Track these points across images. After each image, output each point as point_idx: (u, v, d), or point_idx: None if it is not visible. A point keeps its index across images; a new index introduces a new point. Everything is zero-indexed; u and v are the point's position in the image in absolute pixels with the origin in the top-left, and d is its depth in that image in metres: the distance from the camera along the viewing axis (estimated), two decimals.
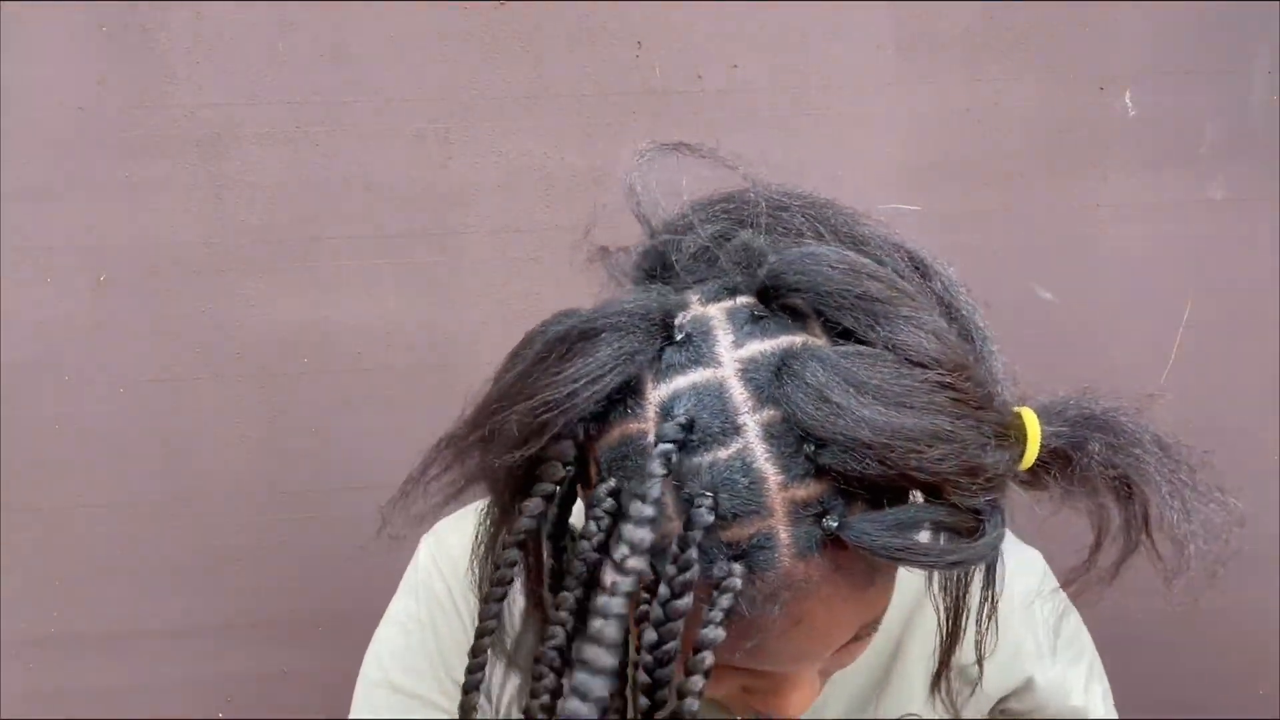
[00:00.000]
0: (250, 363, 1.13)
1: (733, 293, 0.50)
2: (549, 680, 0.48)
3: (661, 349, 0.48)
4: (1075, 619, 0.75)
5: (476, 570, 0.56)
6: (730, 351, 0.47)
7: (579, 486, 0.52)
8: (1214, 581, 0.49)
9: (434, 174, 1.11)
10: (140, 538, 1.15)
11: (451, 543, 0.71)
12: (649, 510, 0.43)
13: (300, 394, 1.14)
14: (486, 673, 0.52)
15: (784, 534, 0.44)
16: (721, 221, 0.53)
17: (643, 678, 0.45)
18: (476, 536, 0.56)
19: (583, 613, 0.47)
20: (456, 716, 0.61)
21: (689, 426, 0.45)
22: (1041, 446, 0.46)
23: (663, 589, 0.44)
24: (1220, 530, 0.50)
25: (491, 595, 0.51)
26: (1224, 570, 0.49)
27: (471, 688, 0.52)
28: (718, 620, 0.43)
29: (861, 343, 0.46)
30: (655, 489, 0.43)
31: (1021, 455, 0.46)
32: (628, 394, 0.47)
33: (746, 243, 0.50)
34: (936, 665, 0.62)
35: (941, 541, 0.44)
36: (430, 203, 1.12)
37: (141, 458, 1.13)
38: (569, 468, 0.48)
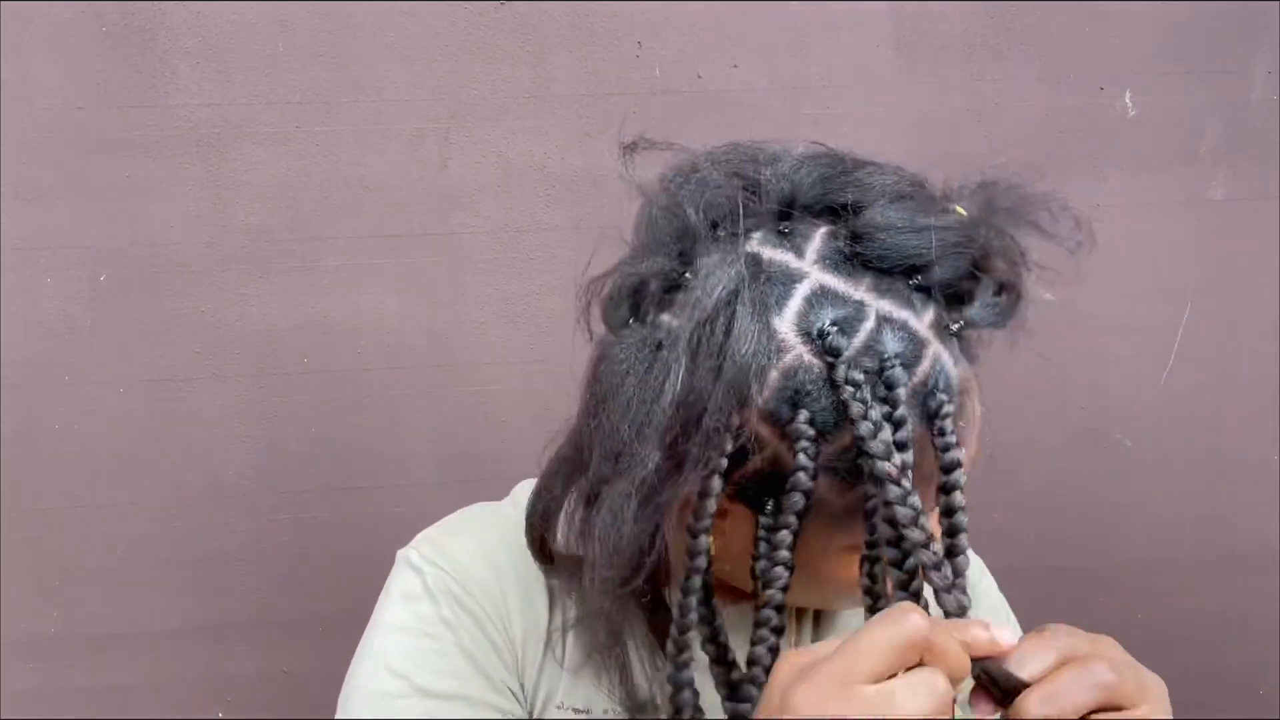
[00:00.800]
0: (250, 363, 1.13)
1: (747, 234, 0.55)
2: (776, 621, 0.52)
3: (760, 292, 0.53)
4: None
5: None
6: (805, 262, 0.54)
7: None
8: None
9: (433, 174, 1.11)
10: (140, 538, 1.15)
11: (452, 549, 0.67)
12: (876, 411, 0.50)
13: (300, 394, 1.14)
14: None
15: (944, 354, 0.53)
16: (725, 184, 0.56)
17: (897, 574, 0.50)
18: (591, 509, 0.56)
19: (795, 543, 0.52)
20: (506, 710, 0.63)
21: (837, 329, 0.51)
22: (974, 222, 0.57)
23: (893, 435, 0.50)
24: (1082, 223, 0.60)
25: (700, 528, 0.53)
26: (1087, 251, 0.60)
27: (686, 628, 0.54)
28: (954, 442, 0.51)
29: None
30: (903, 392, 0.50)
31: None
32: (764, 343, 0.52)
33: (765, 185, 0.56)
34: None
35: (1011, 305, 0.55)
36: (430, 203, 1.12)
37: (141, 458, 1.13)
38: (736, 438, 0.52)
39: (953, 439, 0.50)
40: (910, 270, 0.53)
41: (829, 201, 0.55)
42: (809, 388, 0.51)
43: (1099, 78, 1.15)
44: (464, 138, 1.11)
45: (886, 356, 0.51)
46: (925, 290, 0.53)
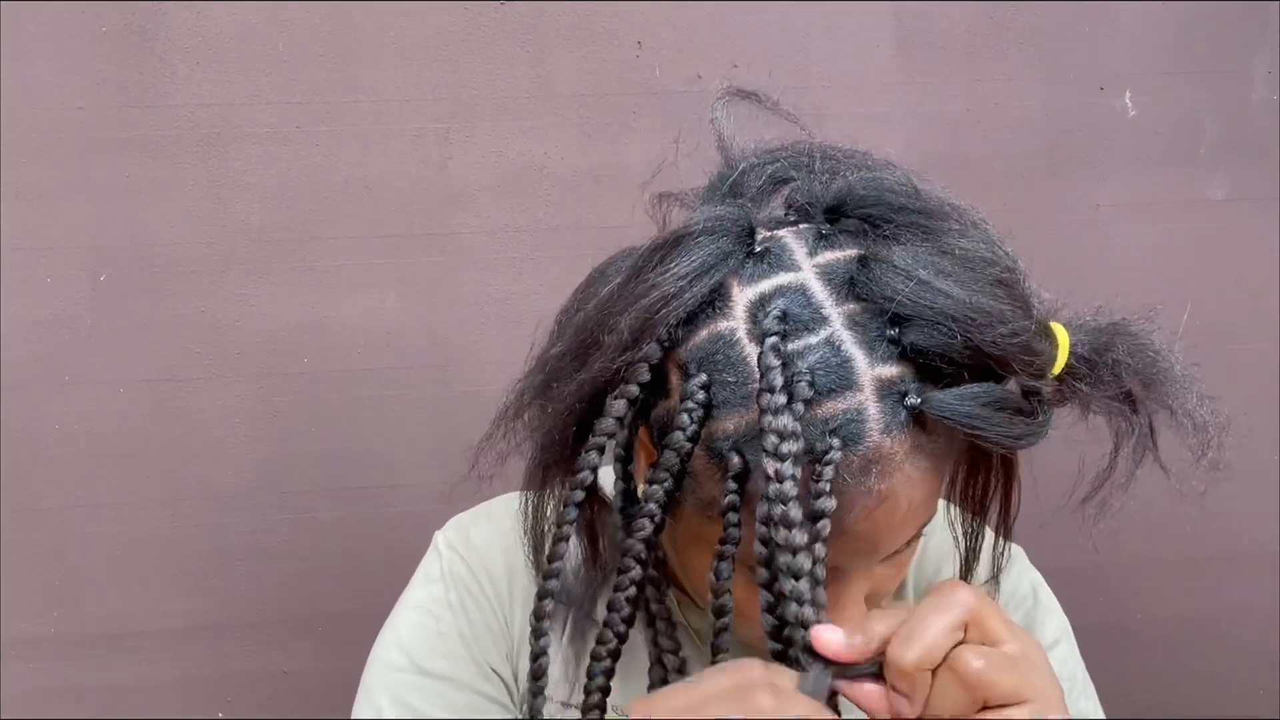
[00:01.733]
0: (250, 363, 1.13)
1: (794, 222, 0.55)
2: (635, 573, 0.53)
3: (744, 259, 0.52)
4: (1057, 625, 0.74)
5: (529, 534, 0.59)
6: (807, 260, 0.52)
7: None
8: (1218, 478, 0.55)
9: (434, 174, 1.11)
10: (140, 538, 1.15)
11: (473, 534, 0.71)
12: (780, 398, 0.47)
13: (300, 394, 1.14)
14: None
15: (873, 409, 0.48)
16: (783, 163, 0.57)
17: (759, 550, 0.48)
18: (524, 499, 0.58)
19: (668, 504, 0.52)
20: (492, 696, 0.65)
21: (784, 318, 0.49)
22: (1071, 353, 0.51)
23: (771, 465, 0.47)
24: (1219, 428, 0.55)
25: (572, 499, 0.54)
26: (1231, 466, 0.56)
27: (546, 595, 0.55)
28: (826, 490, 0.47)
29: None
30: (778, 376, 0.47)
31: (1054, 362, 0.51)
32: (716, 297, 0.51)
33: (803, 182, 0.56)
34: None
35: (1010, 418, 0.49)
36: (430, 203, 1.12)
37: (141, 458, 1.13)
38: (652, 371, 0.52)
39: (825, 488, 0.47)
40: (894, 318, 0.49)
41: (871, 225, 0.52)
42: (725, 358, 0.50)
43: (1099, 78, 1.15)
44: (464, 138, 1.11)
45: (803, 370, 0.48)
46: (898, 345, 0.49)
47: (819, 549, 0.47)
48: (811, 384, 0.48)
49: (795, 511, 0.46)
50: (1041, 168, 1.17)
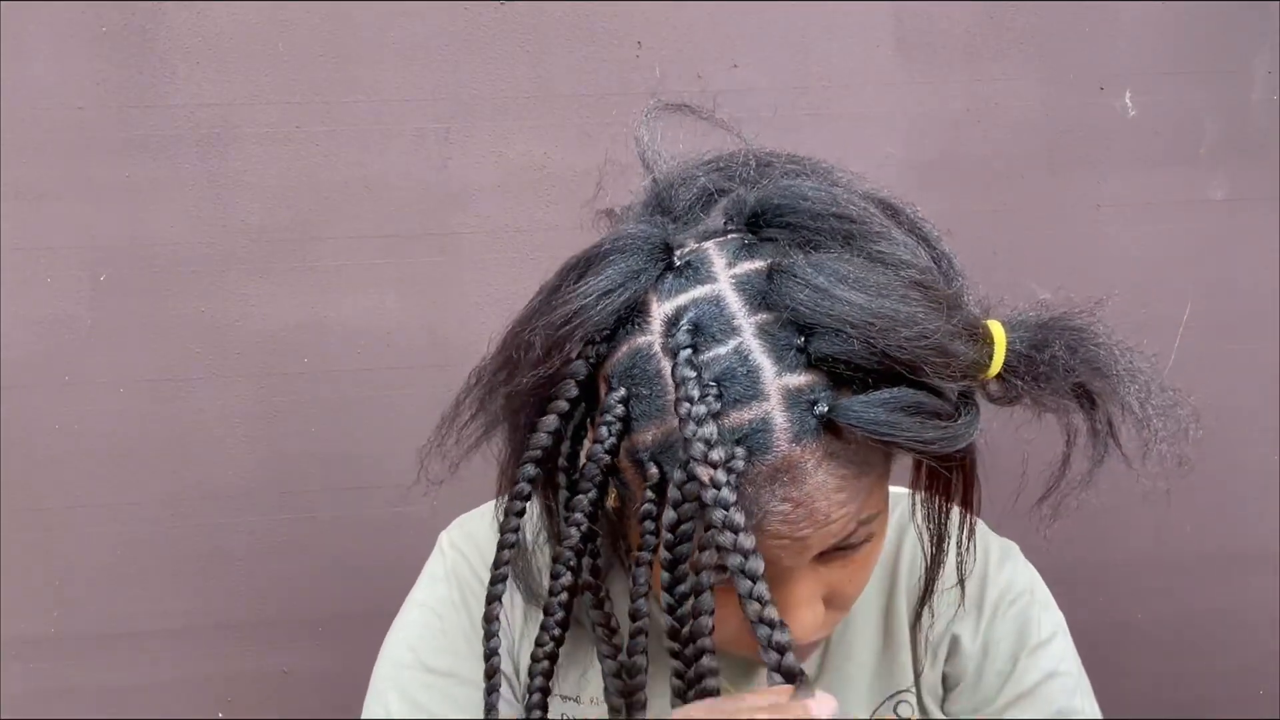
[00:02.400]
0: (250, 363, 1.13)
1: (724, 233, 0.55)
2: (566, 579, 0.55)
3: (663, 274, 0.53)
4: (1058, 644, 0.72)
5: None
6: (725, 271, 0.52)
7: (590, 417, 0.56)
8: (1184, 471, 0.54)
9: (433, 174, 1.11)
10: (140, 538, 1.15)
11: (476, 532, 0.73)
12: (701, 408, 0.47)
13: (300, 394, 1.14)
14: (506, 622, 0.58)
15: (780, 418, 0.48)
16: (715, 175, 0.58)
17: (663, 556, 0.49)
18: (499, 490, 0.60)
19: (594, 514, 0.53)
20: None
21: (695, 331, 0.50)
22: (1008, 350, 0.51)
23: (677, 473, 0.48)
24: (1180, 419, 0.55)
25: (512, 508, 0.56)
26: (1191, 461, 0.54)
27: (494, 599, 0.57)
28: (729, 498, 0.48)
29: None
30: (694, 387, 0.48)
31: (990, 360, 0.51)
32: (634, 313, 0.53)
33: (737, 192, 0.56)
34: (921, 590, 0.67)
35: (923, 422, 0.48)
36: (430, 203, 1.12)
37: (141, 458, 1.13)
38: (580, 386, 0.53)
39: (727, 496, 0.47)
40: (801, 327, 0.49)
41: (788, 235, 0.53)
42: (643, 372, 0.51)
43: (1099, 78, 1.15)
44: (464, 138, 1.11)
45: (709, 382, 0.48)
46: (805, 354, 0.49)
47: (710, 555, 0.47)
48: (719, 396, 0.48)
49: (738, 516, 0.46)
50: (1041, 168, 1.17)
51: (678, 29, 1.10)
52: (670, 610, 0.49)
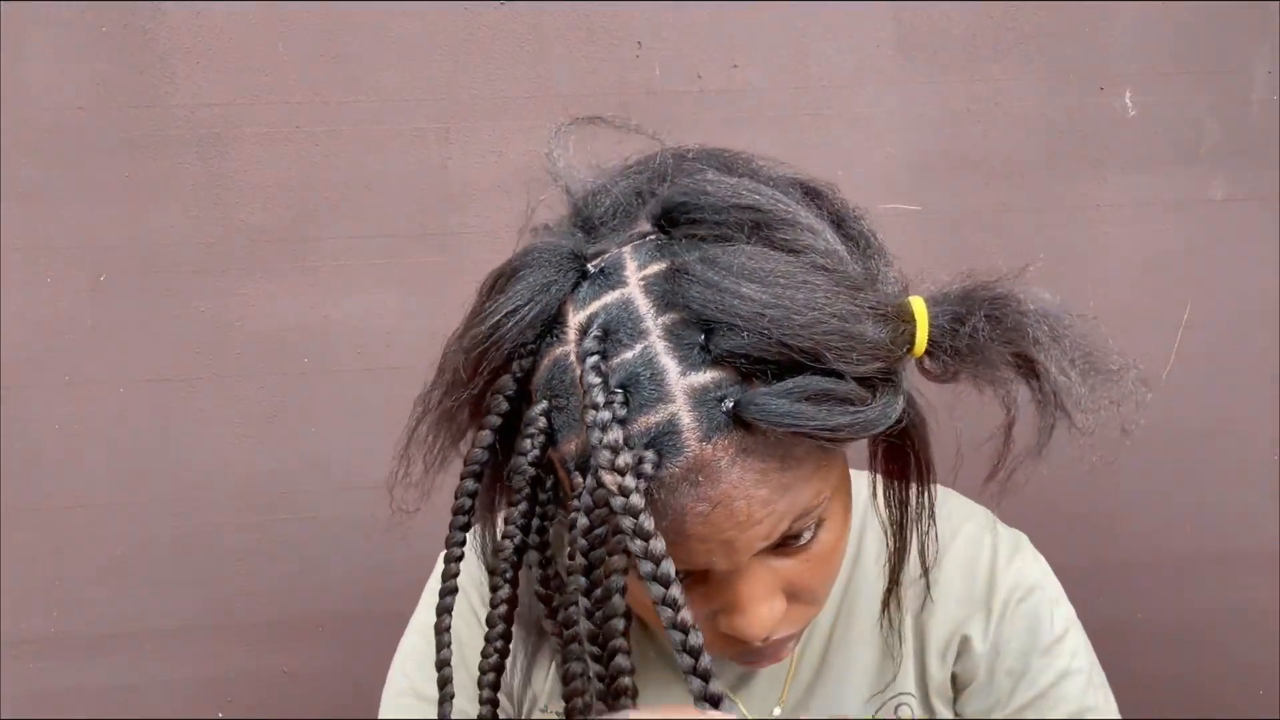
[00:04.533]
0: (250, 363, 1.13)
1: (642, 236, 0.55)
2: (504, 592, 0.55)
3: (577, 283, 0.53)
4: (1072, 637, 0.72)
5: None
6: (635, 274, 0.52)
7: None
8: (1127, 438, 0.52)
9: (434, 174, 1.11)
10: (140, 538, 1.15)
11: (472, 555, 0.72)
12: (605, 414, 0.47)
13: (300, 394, 1.14)
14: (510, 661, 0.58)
15: (687, 418, 0.48)
16: (635, 179, 0.58)
17: (579, 561, 0.49)
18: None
19: (528, 525, 0.54)
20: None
21: (604, 337, 0.50)
22: (931, 326, 0.50)
23: (589, 480, 0.48)
24: (1123, 383, 0.53)
25: (455, 523, 0.57)
26: (1134, 428, 0.52)
27: (444, 610, 0.58)
28: (638, 504, 0.47)
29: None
30: (600, 393, 0.48)
31: (913, 338, 0.50)
32: (552, 325, 0.53)
33: (654, 193, 0.56)
34: (886, 582, 0.66)
35: (830, 409, 0.47)
36: (430, 203, 1.12)
37: (141, 458, 1.13)
38: (510, 402, 0.54)
39: (637, 500, 0.46)
40: (702, 325, 0.49)
41: (697, 231, 0.52)
42: (561, 382, 0.52)
43: (1099, 78, 1.15)
44: (464, 138, 1.11)
45: (616, 394, 0.48)
46: (709, 352, 0.49)
47: (619, 560, 0.48)
48: (624, 401, 0.48)
49: (648, 521, 0.46)
50: (1041, 168, 1.17)
51: (678, 29, 1.10)
52: (588, 614, 0.49)
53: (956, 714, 0.71)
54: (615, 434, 0.47)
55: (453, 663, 0.68)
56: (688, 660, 0.46)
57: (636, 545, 0.46)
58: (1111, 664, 0.75)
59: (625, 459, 0.46)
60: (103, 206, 1.08)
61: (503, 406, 0.54)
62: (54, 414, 1.12)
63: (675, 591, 0.47)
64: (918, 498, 0.61)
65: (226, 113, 1.08)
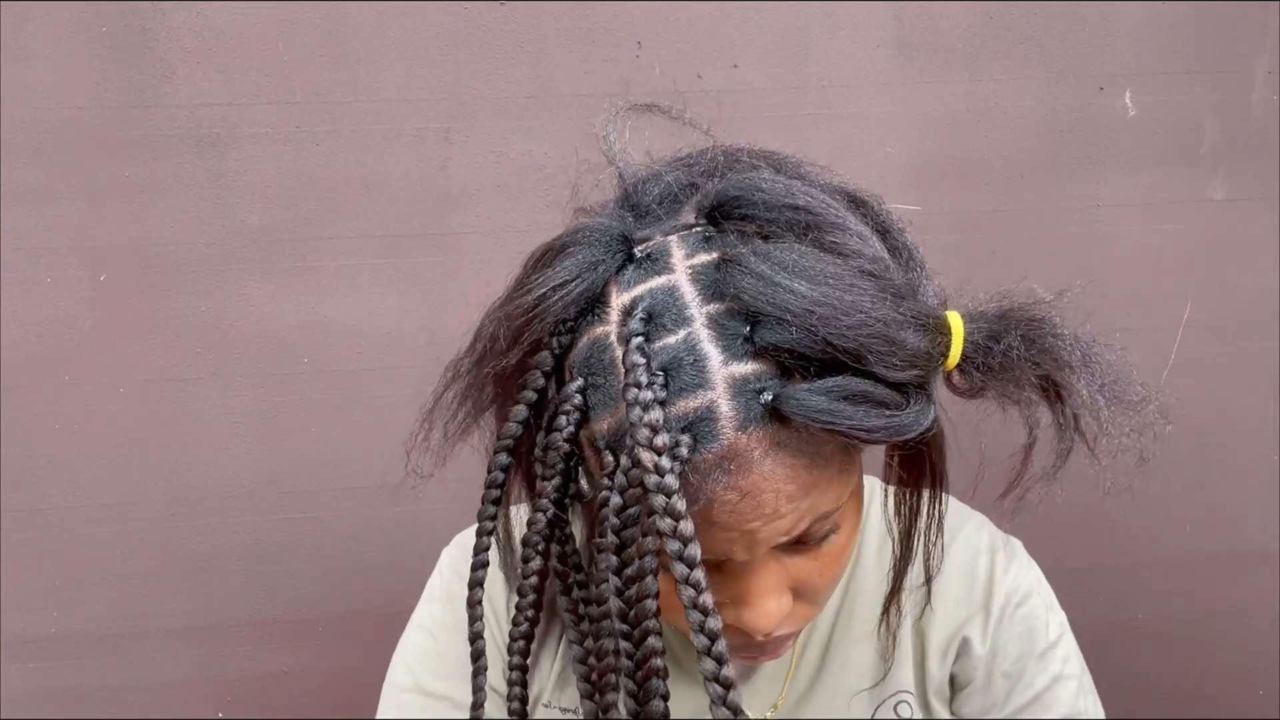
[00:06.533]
0: (250, 363, 1.13)
1: (689, 227, 0.56)
2: (536, 563, 0.56)
3: (623, 265, 0.54)
4: (1064, 642, 0.73)
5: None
6: (682, 262, 0.53)
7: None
8: (1144, 467, 0.53)
9: (434, 174, 1.11)
10: (140, 538, 1.15)
11: (470, 550, 0.73)
12: (648, 394, 0.48)
13: (300, 394, 1.14)
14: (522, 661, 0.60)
15: (725, 406, 0.49)
16: (686, 171, 0.58)
17: (610, 540, 0.50)
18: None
19: (561, 501, 0.55)
20: (489, 715, 0.66)
21: (648, 320, 0.51)
22: (966, 341, 0.51)
23: (624, 459, 0.48)
24: (1144, 414, 0.53)
25: (487, 497, 0.57)
26: (1151, 458, 0.53)
27: (476, 584, 0.59)
28: (674, 487, 0.48)
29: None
30: (643, 374, 0.48)
31: (948, 351, 0.51)
32: (595, 304, 0.54)
33: (703, 187, 0.57)
34: (889, 587, 0.66)
35: (867, 411, 0.48)
36: (430, 203, 1.12)
37: (141, 458, 1.13)
38: (548, 377, 0.55)
39: (670, 481, 0.47)
40: (749, 316, 0.49)
41: (746, 226, 0.53)
42: (599, 362, 0.52)
43: (1099, 78, 1.15)
44: (464, 138, 1.11)
45: (657, 376, 0.49)
46: (753, 343, 0.49)
47: (651, 542, 0.48)
48: (665, 384, 0.49)
49: (679, 503, 0.47)
50: (1041, 168, 1.17)
51: (678, 29, 1.10)
52: (618, 593, 0.50)
53: (953, 713, 0.72)
54: (656, 414, 0.47)
55: (459, 662, 0.68)
56: (704, 642, 0.47)
57: (666, 524, 0.47)
58: (1112, 664, 0.75)
59: (663, 439, 0.47)
60: (103, 206, 1.08)
61: (539, 382, 0.55)
62: (54, 414, 1.12)
63: (699, 574, 0.47)
64: (929, 508, 0.61)
65: (226, 113, 1.08)
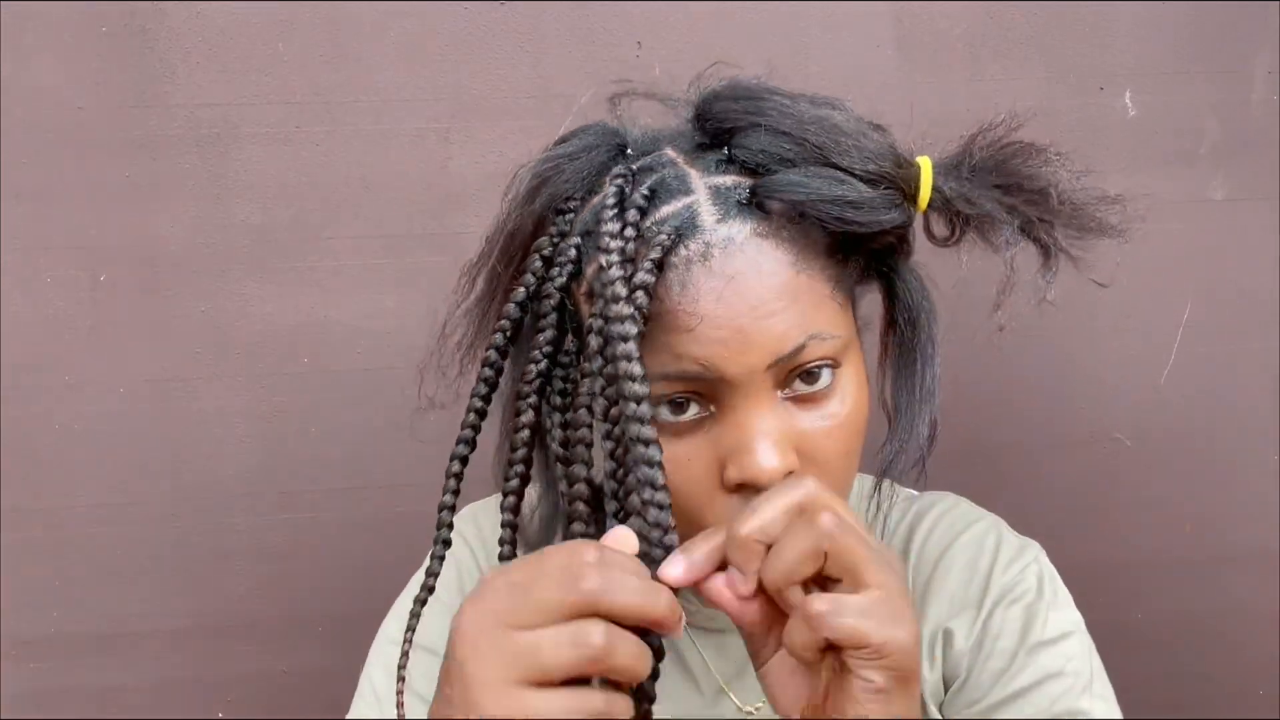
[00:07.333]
0: (250, 363, 1.13)
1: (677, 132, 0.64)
2: (527, 416, 0.58)
3: (618, 155, 0.61)
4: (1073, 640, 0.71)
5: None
6: (673, 147, 0.61)
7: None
8: (1125, 244, 0.61)
9: (434, 174, 1.11)
10: (140, 538, 1.15)
11: (481, 520, 0.77)
12: (613, 209, 0.54)
13: (300, 394, 1.14)
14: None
15: (706, 204, 0.55)
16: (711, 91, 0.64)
17: (598, 324, 0.52)
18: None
19: (553, 353, 0.58)
20: None
21: (636, 162, 0.58)
22: (934, 173, 0.58)
23: (608, 257, 0.52)
24: (1114, 206, 0.62)
25: (481, 375, 0.60)
26: (1122, 234, 0.61)
27: (458, 458, 0.61)
28: (647, 267, 0.52)
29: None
30: (614, 196, 0.55)
31: (919, 180, 0.58)
32: (595, 187, 0.60)
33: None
34: (880, 469, 0.66)
35: (838, 186, 0.54)
36: (430, 203, 1.12)
37: (141, 458, 1.13)
38: (545, 263, 0.58)
39: (647, 265, 0.51)
40: (726, 141, 0.57)
41: (726, 107, 0.59)
42: (595, 220, 0.57)
43: (1099, 78, 1.15)
44: (464, 137, 1.11)
45: (642, 183, 0.55)
46: (734, 162, 0.57)
47: (629, 329, 0.50)
48: (648, 196, 0.54)
49: (621, 288, 0.50)
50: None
51: (678, 29, 1.10)
52: (611, 454, 0.53)
53: (943, 713, 0.71)
54: (622, 223, 0.53)
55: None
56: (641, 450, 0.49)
57: (610, 291, 0.50)
58: (1112, 664, 0.75)
59: (632, 215, 0.53)
60: (103, 206, 1.08)
61: (537, 265, 0.58)
62: (54, 414, 1.12)
63: (631, 347, 0.50)
64: (922, 379, 0.62)
65: (226, 113, 1.08)
